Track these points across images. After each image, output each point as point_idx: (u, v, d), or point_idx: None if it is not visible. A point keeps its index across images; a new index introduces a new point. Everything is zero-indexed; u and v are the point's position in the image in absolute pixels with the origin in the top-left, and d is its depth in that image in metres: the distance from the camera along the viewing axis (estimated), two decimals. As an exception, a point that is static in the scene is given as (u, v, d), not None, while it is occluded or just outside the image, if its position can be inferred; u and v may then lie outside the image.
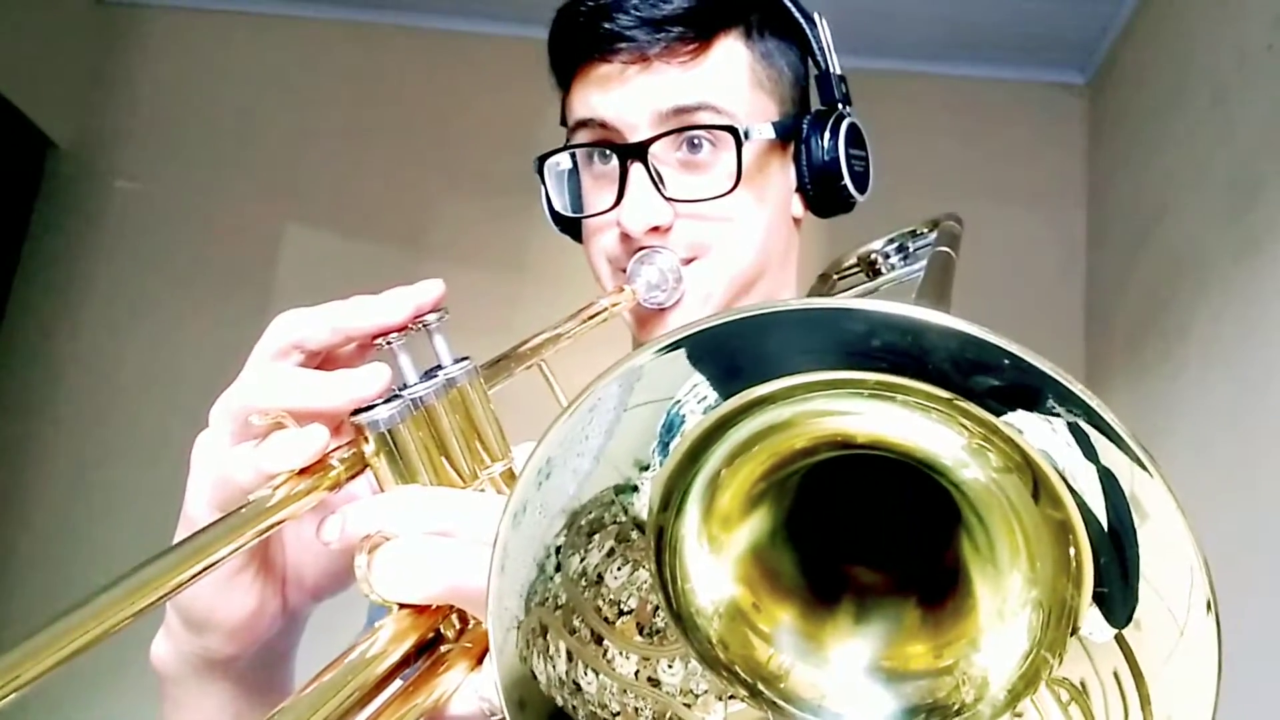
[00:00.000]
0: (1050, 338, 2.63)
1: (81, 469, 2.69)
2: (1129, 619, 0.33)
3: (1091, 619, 0.34)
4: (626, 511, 0.38)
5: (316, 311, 0.47)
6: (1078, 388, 0.30)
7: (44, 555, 2.63)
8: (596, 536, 0.38)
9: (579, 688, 0.38)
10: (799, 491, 0.44)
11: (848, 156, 0.77)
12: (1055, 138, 2.87)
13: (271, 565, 0.49)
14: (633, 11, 0.72)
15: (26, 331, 2.76)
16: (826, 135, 0.77)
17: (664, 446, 0.37)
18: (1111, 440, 0.30)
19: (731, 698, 0.41)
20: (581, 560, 0.38)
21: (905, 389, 0.33)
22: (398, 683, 0.41)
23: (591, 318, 0.66)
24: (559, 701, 0.38)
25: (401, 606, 0.42)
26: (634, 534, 0.39)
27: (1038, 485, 0.34)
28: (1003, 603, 0.38)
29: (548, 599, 0.38)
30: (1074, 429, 0.31)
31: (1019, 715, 0.37)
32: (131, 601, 0.32)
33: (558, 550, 0.38)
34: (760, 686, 0.41)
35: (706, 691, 0.41)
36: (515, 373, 0.56)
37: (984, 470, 0.36)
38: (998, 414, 0.32)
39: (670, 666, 0.40)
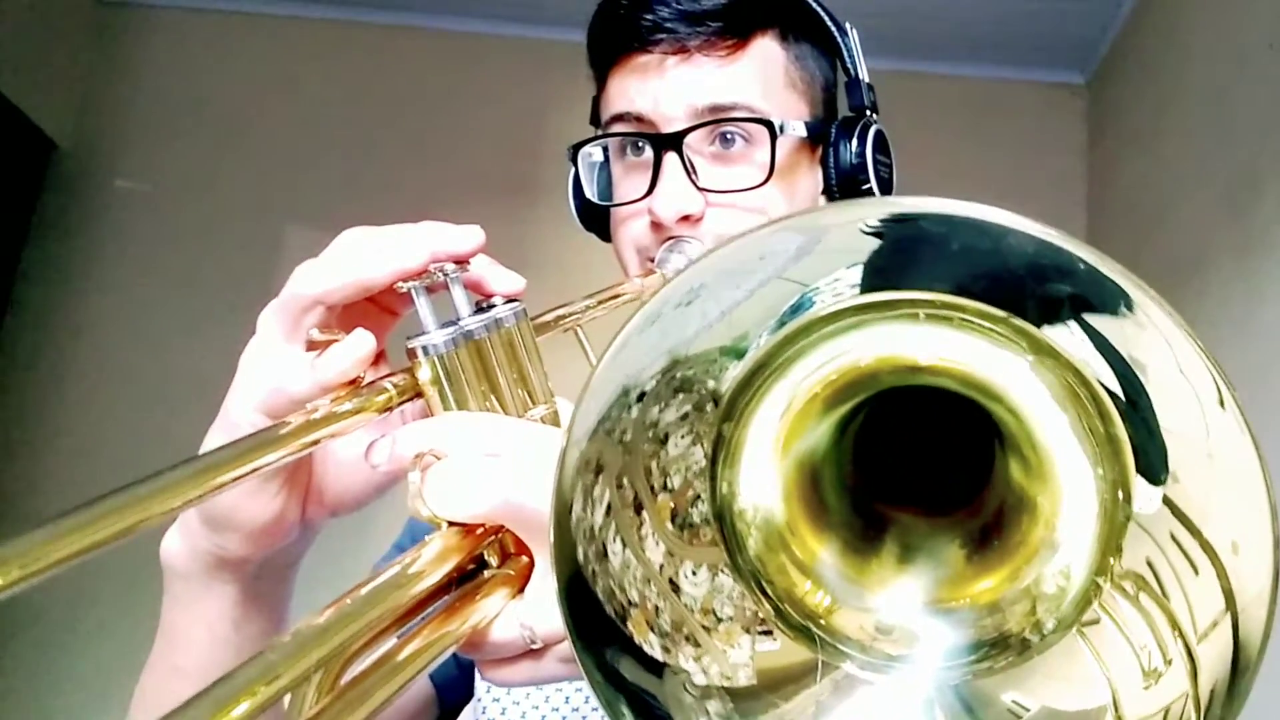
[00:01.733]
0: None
1: (82, 468, 2.69)
2: (1166, 471, 0.33)
3: (1140, 493, 0.34)
4: (715, 380, 0.38)
5: (381, 240, 0.47)
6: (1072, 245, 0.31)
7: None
8: (680, 395, 0.38)
9: (605, 553, 0.37)
10: (851, 429, 0.43)
11: (874, 162, 0.78)
12: (1055, 138, 2.88)
13: (298, 476, 0.49)
14: (674, 5, 0.74)
15: (26, 331, 2.76)
16: (854, 140, 0.78)
17: (779, 325, 0.37)
18: (1098, 306, 0.31)
19: (764, 633, 0.39)
20: (659, 412, 0.38)
21: (963, 308, 0.34)
22: (436, 605, 0.41)
23: (617, 296, 0.66)
24: (581, 554, 0.36)
25: (450, 525, 0.42)
26: (709, 408, 0.38)
27: (1087, 390, 0.34)
28: (1059, 518, 0.38)
29: (615, 431, 0.37)
30: (1077, 316, 0.32)
31: (1093, 623, 0.37)
32: (182, 491, 0.32)
33: (643, 394, 0.37)
34: (802, 621, 0.40)
35: (732, 619, 0.39)
36: (551, 333, 0.57)
37: (1043, 388, 0.36)
38: (1038, 325, 0.33)
39: (695, 574, 0.39)
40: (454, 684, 0.78)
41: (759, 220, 0.74)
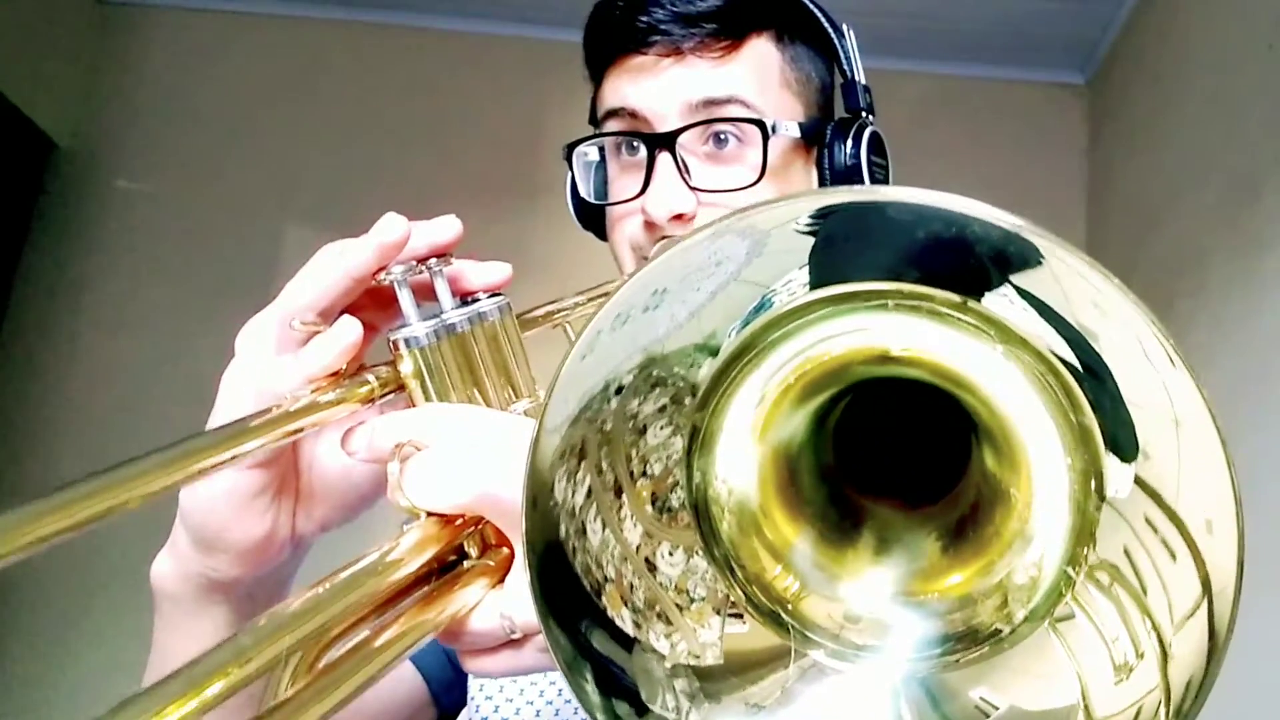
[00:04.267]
0: (1050, 338, 2.63)
1: (82, 468, 2.68)
2: (1136, 448, 0.33)
3: (1112, 473, 0.34)
4: (689, 375, 0.39)
5: (361, 241, 0.47)
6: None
7: (46, 554, 2.62)
8: (658, 390, 0.39)
9: (584, 531, 0.38)
10: (826, 422, 0.44)
11: (869, 164, 0.78)
12: (1055, 138, 2.88)
13: (286, 491, 0.49)
14: (669, 6, 0.74)
15: (27, 331, 2.76)
16: (849, 142, 0.78)
17: (744, 325, 0.38)
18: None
19: (734, 615, 0.40)
20: (638, 404, 0.38)
21: (930, 297, 0.35)
22: (415, 594, 0.41)
23: (608, 295, 0.67)
24: (562, 532, 0.37)
25: (429, 515, 0.43)
26: (687, 400, 0.39)
27: (1053, 374, 0.35)
28: (1033, 508, 0.38)
29: (595, 419, 0.38)
30: (1025, 295, 0.32)
31: (1065, 619, 0.37)
32: (157, 476, 0.32)
33: (621, 388, 0.38)
34: (772, 607, 0.41)
35: (704, 600, 0.40)
36: (540, 327, 0.58)
37: (1013, 375, 0.37)
38: (978, 297, 0.33)
39: (671, 554, 0.40)
40: (450, 687, 0.78)
41: None
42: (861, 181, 0.78)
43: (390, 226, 0.47)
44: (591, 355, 0.36)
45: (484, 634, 0.43)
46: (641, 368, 0.38)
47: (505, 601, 0.43)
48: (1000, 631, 0.38)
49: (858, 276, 0.36)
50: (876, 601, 0.42)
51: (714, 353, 0.38)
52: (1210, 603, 0.32)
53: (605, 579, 0.38)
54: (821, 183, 0.80)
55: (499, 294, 0.51)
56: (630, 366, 0.37)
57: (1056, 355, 0.34)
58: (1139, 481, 0.33)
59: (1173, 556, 0.33)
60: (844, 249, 0.35)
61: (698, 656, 0.39)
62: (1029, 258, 0.32)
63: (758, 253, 0.35)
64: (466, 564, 0.43)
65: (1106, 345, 0.32)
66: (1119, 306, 0.31)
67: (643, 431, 0.39)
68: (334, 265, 0.46)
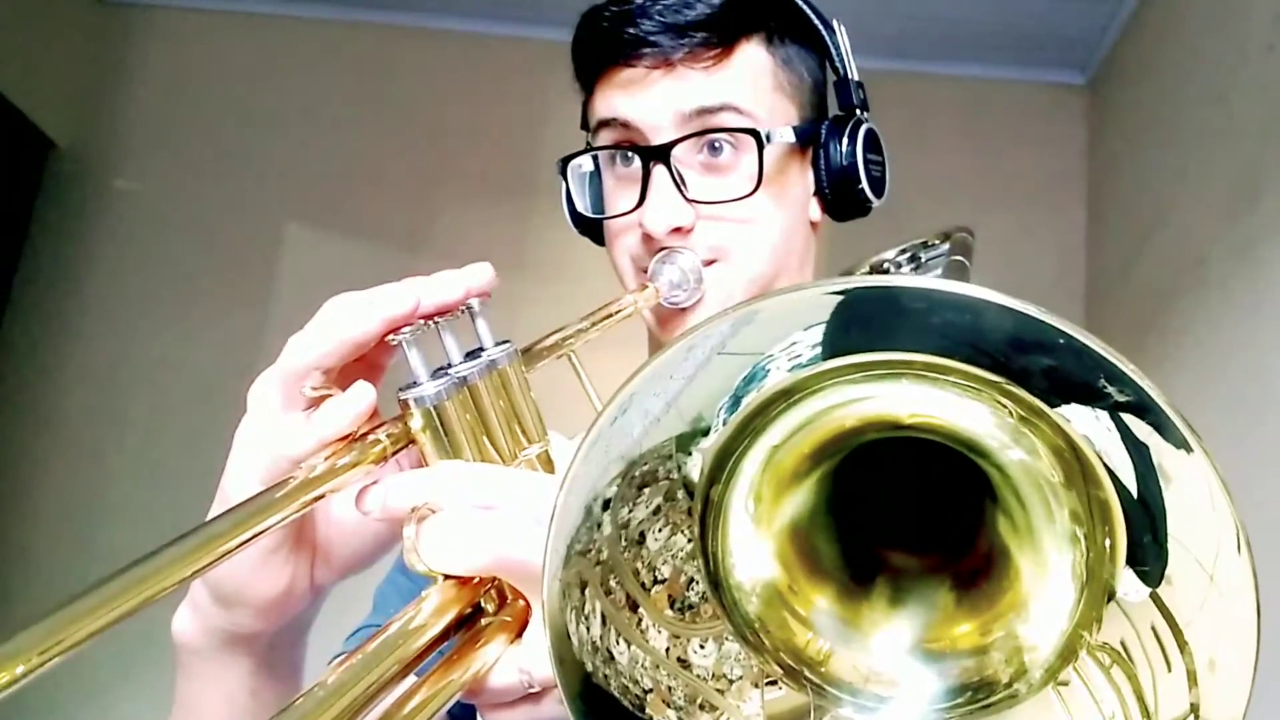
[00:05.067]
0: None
1: (81, 468, 2.69)
2: (1162, 577, 0.34)
3: (1126, 582, 0.35)
4: (680, 470, 0.38)
5: (367, 296, 0.47)
6: (1128, 367, 0.31)
7: (45, 554, 2.63)
8: (646, 490, 0.38)
9: (612, 657, 0.38)
10: (840, 476, 0.44)
11: (865, 161, 0.78)
12: (1055, 138, 2.88)
13: (304, 544, 0.49)
14: (656, 17, 0.73)
15: (27, 331, 2.76)
16: (845, 140, 0.78)
17: (735, 402, 0.37)
18: (1144, 416, 0.32)
19: (770, 684, 0.41)
20: (628, 513, 0.38)
21: (952, 370, 0.34)
22: (436, 654, 0.42)
23: (615, 314, 0.66)
24: (589, 667, 0.38)
25: (446, 578, 0.43)
26: (680, 494, 0.39)
27: (1080, 463, 0.35)
28: (1042, 577, 0.39)
29: (590, 550, 0.38)
30: (1113, 410, 0.32)
31: (1064, 684, 0.38)
32: (185, 564, 0.32)
33: (607, 502, 0.37)
34: (801, 669, 0.41)
35: (741, 678, 0.40)
36: (545, 361, 0.57)
37: (1027, 451, 0.37)
38: (1050, 403, 0.33)
39: (702, 647, 0.40)
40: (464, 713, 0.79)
41: (749, 230, 0.75)
42: (857, 178, 0.78)
43: (398, 300, 0.46)
44: (572, 493, 0.36)
45: (504, 690, 0.43)
46: (623, 475, 0.37)
47: (523, 656, 0.43)
48: (1006, 687, 0.39)
49: (889, 348, 0.35)
50: (894, 653, 0.42)
51: (704, 434, 0.38)
52: None
53: (645, 691, 0.39)
54: (818, 183, 0.79)
55: (505, 341, 0.50)
56: (610, 478, 0.37)
57: (1097, 453, 0.34)
58: (1154, 598, 0.35)
59: (1169, 668, 0.34)
60: (875, 325, 0.34)
61: None
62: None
63: (747, 321, 0.35)
64: (484, 620, 0.44)
65: (1176, 492, 0.33)
66: (1199, 471, 0.32)
67: (641, 540, 0.39)
68: (338, 331, 0.46)
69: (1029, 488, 0.38)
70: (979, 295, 0.31)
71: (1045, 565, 0.39)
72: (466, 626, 0.44)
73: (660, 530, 0.39)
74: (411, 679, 0.40)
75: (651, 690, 0.39)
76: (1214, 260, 1.99)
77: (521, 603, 0.45)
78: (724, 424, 0.38)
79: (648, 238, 0.74)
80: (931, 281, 0.32)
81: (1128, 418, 0.32)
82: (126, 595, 0.30)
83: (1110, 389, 0.32)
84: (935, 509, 0.47)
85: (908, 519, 0.47)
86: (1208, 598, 0.33)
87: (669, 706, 0.39)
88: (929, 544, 0.46)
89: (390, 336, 0.46)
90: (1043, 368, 0.32)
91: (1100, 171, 2.77)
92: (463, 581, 0.43)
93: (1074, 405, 0.33)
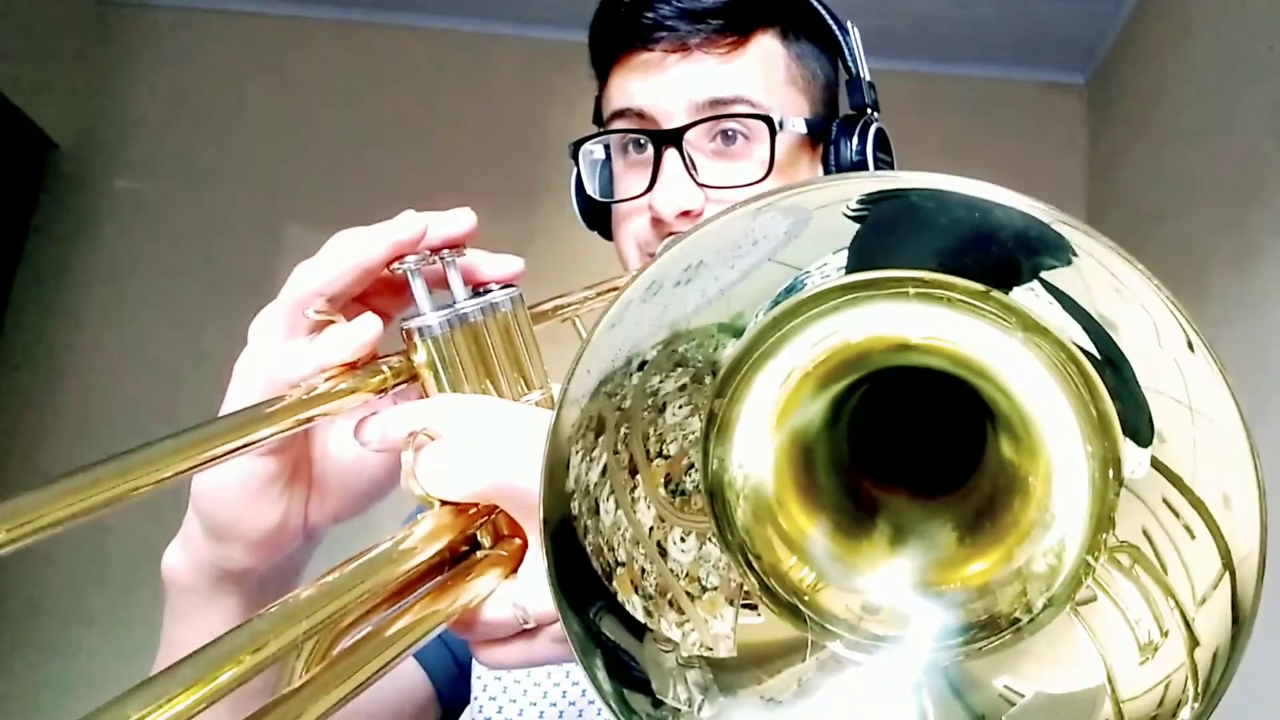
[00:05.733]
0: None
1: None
2: (1152, 432, 0.33)
3: (1129, 457, 0.34)
4: (713, 354, 0.38)
5: (373, 228, 0.47)
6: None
7: (46, 553, 2.63)
8: (680, 369, 0.38)
9: (597, 510, 0.38)
10: (842, 411, 0.43)
11: (875, 160, 0.78)
12: (1055, 138, 2.88)
13: (299, 480, 0.49)
14: (674, 3, 0.74)
15: (26, 330, 2.76)
16: (855, 138, 0.78)
17: (774, 305, 0.37)
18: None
19: (747, 606, 0.39)
20: (659, 381, 0.38)
21: (950, 285, 0.34)
22: (427, 585, 0.41)
23: (616, 289, 0.67)
24: (574, 509, 0.37)
25: (443, 504, 0.42)
26: (707, 379, 0.39)
27: (1077, 367, 0.35)
28: (1052, 494, 0.38)
29: (616, 394, 0.37)
30: (1029, 268, 0.32)
31: (1087, 601, 0.36)
32: (169, 463, 0.32)
33: (644, 363, 0.37)
34: (789, 598, 0.40)
35: (717, 589, 0.39)
36: (550, 321, 0.57)
37: (1034, 364, 0.37)
38: (996, 285, 0.33)
39: (683, 540, 0.39)
40: (454, 683, 0.78)
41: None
42: None
43: (406, 224, 0.47)
44: (620, 326, 0.36)
45: (497, 624, 0.42)
46: (666, 344, 0.37)
47: (518, 591, 0.42)
48: (1021, 619, 0.38)
49: (891, 265, 0.35)
50: (895, 592, 0.41)
51: (738, 334, 0.38)
52: (1233, 577, 0.32)
53: (617, 562, 0.38)
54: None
55: (511, 285, 0.50)
56: (655, 342, 0.37)
57: (1077, 345, 0.34)
58: (1155, 464, 0.33)
59: (1191, 535, 0.33)
60: (888, 239, 0.35)
61: (711, 648, 0.39)
62: (1063, 256, 0.32)
63: (796, 233, 0.35)
64: (479, 554, 0.43)
65: (1125, 335, 0.32)
66: (1140, 292, 0.31)
67: (661, 410, 0.39)
68: (346, 254, 0.46)
69: (1034, 404, 0.37)
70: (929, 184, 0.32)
71: (1053, 481, 0.38)
72: (460, 561, 0.43)
73: (680, 408, 0.39)
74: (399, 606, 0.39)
75: (624, 565, 0.38)
76: (1214, 260, 2.00)
77: (518, 540, 0.44)
78: (758, 321, 0.38)
79: (656, 221, 0.75)
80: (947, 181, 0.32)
81: (1049, 275, 0.32)
82: (106, 484, 0.29)
83: (1007, 239, 0.32)
84: (940, 449, 0.46)
85: (913, 460, 0.46)
86: (1195, 430, 0.32)
87: (636, 591, 0.38)
88: (934, 482, 0.45)
89: (395, 265, 0.46)
90: (975, 256, 0.33)
91: (1100, 171, 2.78)
92: (460, 509, 0.42)
93: (1019, 290, 0.33)
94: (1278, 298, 1.74)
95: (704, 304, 0.37)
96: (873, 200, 0.34)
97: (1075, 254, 0.32)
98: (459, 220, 0.49)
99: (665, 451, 0.39)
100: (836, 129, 0.79)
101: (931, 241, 0.34)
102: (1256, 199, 1.85)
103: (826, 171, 0.79)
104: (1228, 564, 0.32)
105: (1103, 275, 0.32)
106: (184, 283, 2.80)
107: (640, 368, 0.37)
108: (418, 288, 0.46)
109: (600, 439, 0.37)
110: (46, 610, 2.60)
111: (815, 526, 0.43)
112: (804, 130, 0.76)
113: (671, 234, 0.74)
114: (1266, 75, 1.87)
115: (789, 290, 0.37)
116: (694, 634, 0.39)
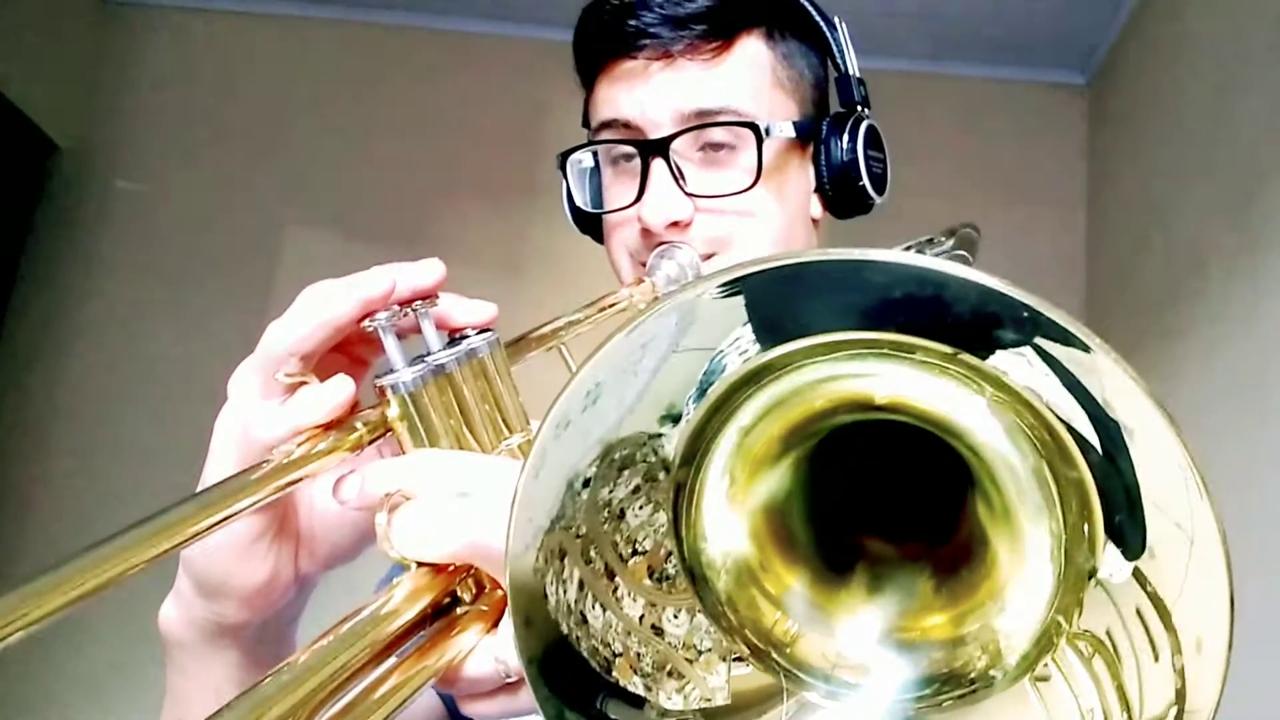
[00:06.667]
0: (1050, 338, 2.63)
1: (82, 469, 2.69)
2: (1143, 546, 0.33)
3: (1109, 559, 0.34)
4: (658, 453, 0.39)
5: (344, 280, 0.47)
6: (1061, 317, 0.30)
7: (45, 553, 2.63)
8: (626, 472, 0.39)
9: (585, 620, 0.39)
10: (816, 460, 0.44)
11: (866, 158, 0.78)
12: (1055, 138, 2.88)
13: (287, 533, 0.49)
14: (657, 9, 0.73)
15: (26, 331, 2.76)
16: (845, 137, 0.78)
17: (701, 393, 0.38)
18: (1083, 355, 0.31)
19: (737, 660, 0.41)
20: (609, 492, 0.39)
21: (917, 347, 0.34)
22: (411, 642, 0.42)
23: (609, 307, 0.66)
24: (564, 629, 0.38)
25: (420, 565, 0.43)
26: (661, 475, 0.39)
27: (1055, 442, 0.34)
28: (1020, 562, 0.38)
29: (571, 524, 0.38)
30: (1053, 363, 0.32)
31: (1043, 679, 0.37)
32: (151, 545, 0.32)
33: (587, 481, 0.38)
34: (767, 650, 0.42)
35: (710, 650, 0.41)
36: (534, 352, 0.57)
37: (1001, 431, 0.37)
38: (987, 354, 0.33)
39: (676, 617, 0.41)
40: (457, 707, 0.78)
41: (748, 223, 0.75)
42: (858, 175, 0.78)
43: (374, 280, 0.46)
44: (544, 471, 0.37)
45: (480, 679, 0.43)
46: (602, 456, 0.38)
47: (499, 646, 0.43)
48: (979, 679, 0.39)
49: (822, 327, 0.35)
50: (866, 641, 0.42)
51: (675, 420, 0.38)
52: (1180, 717, 0.32)
53: (614, 654, 0.39)
54: (818, 179, 0.79)
55: (487, 330, 0.50)
56: (590, 460, 0.38)
57: (1060, 418, 0.33)
58: (1138, 575, 0.33)
59: (1155, 657, 0.33)
60: (791, 303, 0.35)
61: (709, 700, 0.40)
62: (1078, 353, 0.31)
63: (690, 322, 0.35)
64: (460, 609, 0.44)
65: (1137, 442, 0.31)
66: (1149, 417, 0.31)
67: (621, 516, 0.40)
68: (316, 313, 0.46)
69: (1004, 470, 0.37)
70: (871, 257, 0.31)
71: (1022, 550, 0.38)
72: (442, 616, 0.43)
73: (641, 508, 0.40)
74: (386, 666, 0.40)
75: (621, 655, 0.39)
76: (1214, 260, 1.99)
77: (499, 592, 0.44)
78: (693, 411, 0.38)
79: (646, 232, 0.75)
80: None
81: (1048, 346, 0.31)
82: (90, 574, 0.29)
83: (1042, 339, 0.31)
84: (916, 495, 0.46)
85: (889, 505, 0.47)
86: (1191, 567, 0.31)
87: (635, 673, 0.40)
88: (910, 531, 0.46)
89: (366, 322, 0.46)
90: (966, 320, 0.32)
91: (1100, 171, 2.77)
92: (437, 569, 0.43)
93: (1004, 353, 0.33)
94: (1278, 297, 1.74)
95: (626, 412, 0.37)
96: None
97: (1095, 366, 0.31)
98: (428, 272, 0.49)
99: (640, 548, 0.40)
100: (826, 128, 0.79)
101: (847, 298, 0.34)
102: (1257, 198, 1.85)
103: (817, 171, 0.79)
104: (1180, 706, 0.32)
105: (1119, 387, 0.31)
106: (184, 282, 2.80)
107: (585, 485, 0.38)
108: (389, 344, 0.46)
109: (565, 560, 0.38)
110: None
111: (796, 578, 0.44)
112: (792, 134, 0.76)
113: (662, 244, 0.74)
114: (1266, 75, 1.87)
115: (710, 371, 0.37)
116: (695, 691, 0.41)
